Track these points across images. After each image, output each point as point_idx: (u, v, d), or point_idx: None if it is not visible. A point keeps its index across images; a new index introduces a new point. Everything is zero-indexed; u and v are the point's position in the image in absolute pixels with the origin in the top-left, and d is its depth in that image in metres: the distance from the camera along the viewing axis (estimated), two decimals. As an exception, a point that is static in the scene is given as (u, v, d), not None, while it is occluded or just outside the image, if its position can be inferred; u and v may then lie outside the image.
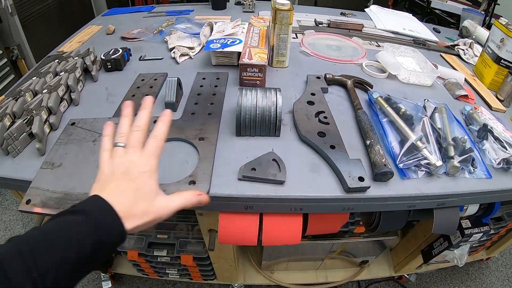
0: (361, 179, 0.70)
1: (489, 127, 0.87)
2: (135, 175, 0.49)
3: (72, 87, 0.93)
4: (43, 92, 0.88)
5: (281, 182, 0.71)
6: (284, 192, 0.69)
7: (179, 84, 0.90)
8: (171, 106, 0.88)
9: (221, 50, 1.00)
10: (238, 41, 1.03)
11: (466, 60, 1.29)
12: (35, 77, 0.95)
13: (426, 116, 0.87)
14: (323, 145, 0.77)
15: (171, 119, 0.57)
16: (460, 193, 0.75)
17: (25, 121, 0.79)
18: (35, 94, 0.90)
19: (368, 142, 0.79)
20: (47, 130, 0.83)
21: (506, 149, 0.82)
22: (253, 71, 0.93)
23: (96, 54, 1.11)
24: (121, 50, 1.09)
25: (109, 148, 0.53)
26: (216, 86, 0.96)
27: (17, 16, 1.92)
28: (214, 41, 1.05)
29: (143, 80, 1.01)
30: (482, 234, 1.14)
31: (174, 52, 1.12)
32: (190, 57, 1.13)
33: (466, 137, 0.84)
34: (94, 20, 1.49)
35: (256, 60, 0.92)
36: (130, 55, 1.14)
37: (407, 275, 1.44)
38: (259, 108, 0.77)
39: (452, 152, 0.79)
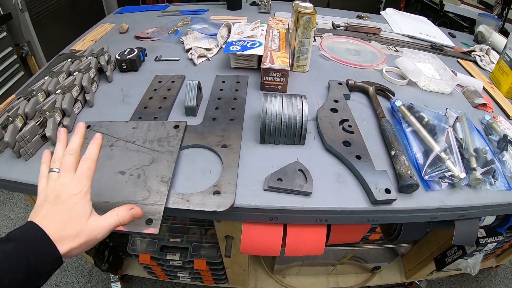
0: (387, 191, 0.67)
1: (509, 138, 0.84)
2: (65, 197, 0.49)
3: (86, 88, 0.89)
4: (57, 92, 0.85)
5: (308, 194, 0.67)
6: (311, 204, 0.66)
7: (199, 87, 0.86)
8: (191, 110, 0.84)
9: (241, 52, 0.97)
10: (258, 44, 1.00)
11: (483, 67, 1.25)
12: (47, 77, 0.92)
13: (450, 126, 0.84)
14: (349, 155, 0.74)
15: (101, 142, 0.58)
16: (482, 205, 0.73)
17: (38, 123, 0.76)
18: (47, 94, 0.86)
19: (393, 152, 0.76)
20: (61, 132, 0.79)
21: None
22: (276, 75, 0.90)
23: (110, 54, 1.07)
24: (136, 50, 1.05)
25: (46, 175, 0.53)
26: (236, 90, 0.93)
27: (27, 13, 1.87)
28: (234, 43, 1.01)
29: (160, 82, 0.98)
30: (496, 243, 1.12)
31: (191, 53, 1.08)
32: (208, 59, 1.10)
33: (487, 148, 0.82)
34: (107, 18, 1.45)
35: (278, 65, 0.89)
36: (146, 55, 1.10)
37: (418, 281, 1.42)
38: (284, 116, 0.74)
39: (474, 163, 0.76)
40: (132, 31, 1.29)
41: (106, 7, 2.64)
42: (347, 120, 0.83)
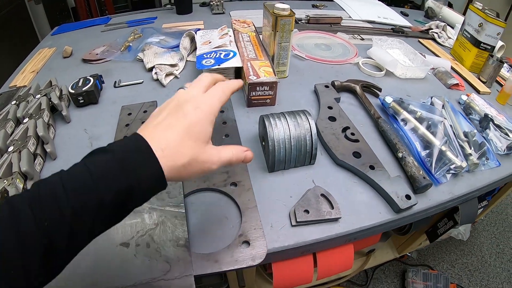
0: (408, 197, 0.64)
1: (490, 116, 0.86)
2: (189, 109, 0.40)
3: (44, 138, 0.73)
4: (9, 150, 0.68)
5: (337, 219, 0.61)
6: (343, 229, 0.61)
7: (182, 117, 0.74)
8: (181, 145, 0.72)
9: (217, 66, 0.85)
10: (232, 54, 0.89)
11: (442, 43, 1.27)
12: (-9, 128, 0.73)
13: (445, 118, 0.83)
14: (362, 167, 0.69)
15: (241, 86, 0.50)
16: (481, 187, 0.74)
17: None
18: (-2, 153, 0.69)
19: (400, 154, 0.72)
20: (26, 202, 0.63)
21: (508, 136, 0.83)
22: (263, 89, 0.81)
23: (61, 87, 0.89)
24: (92, 79, 0.89)
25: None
26: (222, 111, 0.82)
27: None
28: (205, 56, 0.89)
29: (129, 114, 0.83)
30: (482, 208, 1.17)
31: (156, 73, 0.94)
32: (176, 77, 0.96)
33: (475, 130, 0.83)
34: (44, 42, 1.22)
35: (265, 77, 0.80)
36: (103, 82, 0.94)
37: (409, 253, 1.46)
38: (293, 139, 0.66)
39: (468, 149, 0.77)
40: (78, 53, 1.10)
41: (37, 29, 2.27)
42: (348, 127, 0.77)
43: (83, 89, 0.86)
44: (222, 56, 0.88)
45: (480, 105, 0.93)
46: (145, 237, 0.56)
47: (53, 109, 0.84)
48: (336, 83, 0.90)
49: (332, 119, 0.79)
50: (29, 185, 0.64)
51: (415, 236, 1.24)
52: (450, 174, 0.73)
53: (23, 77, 1.00)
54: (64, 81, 0.91)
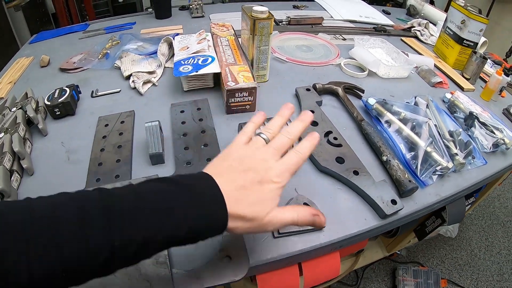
0: (393, 202, 0.62)
1: (474, 114, 0.85)
2: (265, 179, 0.42)
3: (20, 154, 0.69)
4: (-16, 167, 0.65)
5: (321, 229, 0.59)
6: (326, 238, 0.59)
7: (160, 128, 0.71)
8: (158, 158, 0.70)
9: (194, 73, 0.82)
10: (210, 59, 0.86)
11: (424, 41, 1.26)
12: (-34, 144, 0.70)
13: (430, 119, 0.82)
14: (346, 173, 0.67)
15: (317, 143, 0.48)
16: (469, 186, 0.73)
17: None
18: (-28, 170, 0.65)
19: (384, 158, 0.71)
20: (3, 221, 0.60)
21: (494, 133, 0.82)
22: (242, 95, 0.78)
23: (37, 99, 0.85)
24: (68, 90, 0.85)
25: (250, 135, 0.47)
26: (201, 119, 0.79)
27: None
28: (182, 62, 0.86)
29: (107, 125, 0.80)
30: (469, 205, 1.17)
31: (133, 81, 0.91)
32: (154, 84, 0.93)
33: (460, 129, 0.82)
34: (21, 51, 1.17)
35: (244, 83, 0.77)
36: (80, 92, 0.90)
37: (398, 251, 1.45)
38: (273, 147, 0.63)
39: (454, 148, 0.76)
40: (55, 62, 1.06)
41: (17, 37, 2.19)
42: (330, 132, 0.75)
43: (59, 100, 0.83)
44: (200, 62, 0.85)
45: (464, 102, 0.92)
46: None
47: (30, 122, 0.80)
48: (317, 85, 0.88)
49: (314, 123, 0.77)
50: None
51: (404, 235, 1.23)
52: (437, 176, 0.71)
53: (0, 88, 0.96)
54: (42, 92, 0.87)
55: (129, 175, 0.68)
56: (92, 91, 0.92)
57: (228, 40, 0.95)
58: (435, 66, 1.10)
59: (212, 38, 0.98)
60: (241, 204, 0.39)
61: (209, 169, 0.42)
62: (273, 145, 0.45)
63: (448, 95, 0.93)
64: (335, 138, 0.73)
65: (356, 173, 0.67)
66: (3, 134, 0.72)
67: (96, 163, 0.71)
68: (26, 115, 0.79)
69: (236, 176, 0.41)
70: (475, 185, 0.75)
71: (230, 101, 0.80)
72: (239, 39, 0.98)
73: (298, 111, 0.84)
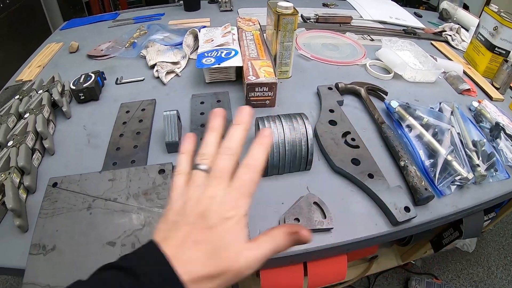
0: (407, 209, 0.59)
1: (501, 125, 0.80)
2: (215, 220, 0.33)
3: (43, 134, 0.72)
4: (9, 145, 0.67)
5: (329, 229, 0.58)
6: (334, 240, 0.57)
7: (178, 117, 0.72)
8: (174, 146, 0.70)
9: (216, 65, 0.82)
10: (233, 53, 0.86)
11: (455, 46, 1.21)
12: (-6, 122, 0.73)
13: (453, 126, 0.78)
14: (360, 175, 0.64)
15: (271, 142, 0.40)
16: (489, 200, 0.68)
17: None
18: (-2, 147, 0.68)
19: (402, 163, 0.68)
20: (23, 196, 0.62)
21: None
22: (262, 90, 0.77)
23: (63, 83, 0.88)
24: (93, 76, 0.87)
25: (186, 171, 0.38)
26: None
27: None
28: (206, 54, 0.86)
29: (128, 112, 0.82)
30: (489, 220, 1.11)
31: (157, 71, 0.92)
32: (177, 75, 0.94)
33: (484, 140, 0.77)
34: (52, 36, 1.21)
35: (264, 78, 0.76)
36: (105, 78, 0.92)
37: (413, 261, 1.40)
38: (288, 144, 0.62)
39: (476, 159, 0.72)
40: (84, 49, 1.09)
41: (50, 23, 2.27)
42: (349, 132, 0.73)
43: (84, 85, 0.85)
44: (223, 54, 0.85)
45: (492, 112, 0.87)
46: (131, 237, 0.54)
47: (55, 105, 0.83)
48: (340, 85, 0.86)
49: (333, 123, 0.75)
50: (25, 180, 0.63)
51: (420, 244, 1.19)
52: (455, 186, 0.67)
53: (29, 71, 0.99)
54: (69, 77, 0.90)
55: (145, 161, 0.69)
56: (117, 78, 0.94)
57: (253, 35, 0.95)
58: (464, 73, 1.05)
59: (238, 32, 0.97)
60: (199, 263, 0.32)
61: (157, 233, 0.34)
62: (215, 174, 0.36)
63: (475, 104, 0.88)
64: (353, 139, 0.71)
65: (371, 176, 0.64)
66: (28, 114, 0.75)
67: (114, 147, 0.72)
68: (52, 98, 0.81)
69: (183, 233, 0.33)
70: (495, 200, 0.70)
71: (250, 95, 0.79)
72: (264, 34, 0.97)
73: (318, 109, 0.82)
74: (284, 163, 0.64)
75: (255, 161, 0.37)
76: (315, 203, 0.60)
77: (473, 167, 0.70)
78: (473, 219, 0.80)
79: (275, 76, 0.77)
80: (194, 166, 0.37)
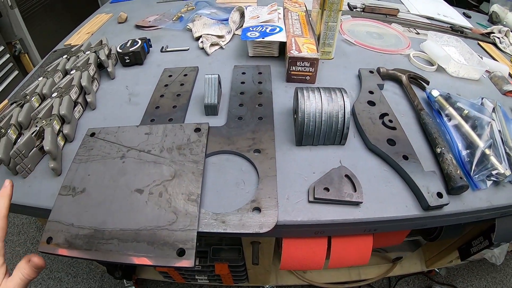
0: (439, 195, 0.56)
1: None
2: None
3: (86, 88, 0.74)
4: (53, 96, 0.70)
5: (357, 203, 0.55)
6: (362, 215, 0.55)
7: (219, 82, 0.71)
8: (213, 109, 0.70)
9: (261, 39, 0.81)
10: (278, 29, 0.85)
11: (503, 49, 1.13)
12: (41, 77, 0.76)
13: (494, 120, 0.73)
14: (395, 156, 0.61)
15: (11, 192, 0.47)
16: None
17: (34, 133, 0.61)
18: (43, 98, 0.71)
19: (438, 150, 0.64)
20: (61, 143, 0.65)
21: None
22: (304, 65, 0.76)
23: (110, 47, 0.90)
24: (140, 41, 0.89)
25: None
26: (260, 82, 0.78)
27: (17, 9, 1.66)
28: (251, 29, 0.86)
29: (170, 76, 0.83)
30: (524, 231, 1.03)
31: (202, 42, 0.93)
32: (221, 47, 0.94)
33: None
34: (102, 8, 1.26)
35: (306, 53, 0.75)
36: (150, 46, 0.94)
37: (437, 269, 1.33)
38: (325, 114, 0.60)
39: None
40: (132, 20, 1.11)
41: None
42: (386, 114, 0.70)
43: (130, 49, 0.87)
44: (268, 30, 0.84)
45: (536, 116, 0.81)
46: (159, 186, 0.54)
47: (101, 66, 0.85)
48: (381, 69, 0.82)
49: (372, 103, 0.72)
50: (65, 128, 0.66)
51: (447, 251, 1.13)
52: (491, 181, 0.63)
53: (78, 37, 1.03)
54: (116, 43, 0.92)
55: (183, 120, 0.70)
56: (162, 47, 0.95)
57: (298, 15, 0.93)
58: (510, 75, 0.98)
59: (283, 12, 0.96)
60: None
61: None
62: None
63: (519, 104, 0.83)
64: (390, 121, 0.68)
65: (405, 157, 0.61)
66: (74, 71, 0.77)
67: (154, 106, 0.73)
68: (98, 59, 0.84)
69: None
70: None
71: (291, 69, 0.77)
72: (309, 17, 0.95)
73: (358, 90, 0.79)
74: (319, 133, 0.62)
75: None
76: (346, 175, 0.58)
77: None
78: (507, 221, 0.74)
79: (318, 52, 0.75)
80: None
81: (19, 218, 1.58)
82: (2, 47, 1.61)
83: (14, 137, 0.61)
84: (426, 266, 1.23)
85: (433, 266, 1.23)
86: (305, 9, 0.98)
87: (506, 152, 0.67)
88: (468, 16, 1.35)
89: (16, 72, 1.70)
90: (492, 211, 0.61)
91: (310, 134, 0.62)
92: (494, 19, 1.32)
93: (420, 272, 1.37)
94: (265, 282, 1.13)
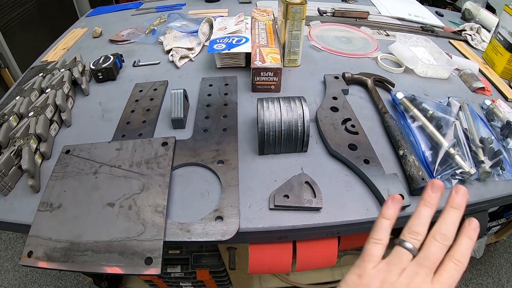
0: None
1: None
2: None
3: (61, 107, 0.78)
4: (29, 115, 0.74)
5: (317, 209, 0.59)
6: (322, 220, 0.58)
7: (185, 96, 0.75)
8: (179, 122, 0.74)
9: (227, 51, 0.86)
10: (244, 40, 0.89)
11: (474, 46, 1.18)
12: (18, 96, 0.80)
13: (457, 119, 0.77)
14: (356, 160, 0.65)
15: (478, 231, 0.37)
16: (492, 199, 0.66)
17: (13, 153, 0.65)
18: (20, 117, 0.75)
19: (401, 152, 0.68)
20: (39, 161, 0.69)
21: None
22: (268, 75, 0.80)
23: (84, 63, 0.94)
24: (112, 57, 0.93)
25: (385, 242, 0.36)
26: (226, 94, 0.82)
27: (-5, 25, 1.69)
28: (218, 40, 0.90)
29: (141, 91, 0.86)
30: (499, 226, 1.08)
31: (172, 55, 0.97)
32: (191, 60, 0.98)
33: (492, 137, 0.74)
34: (78, 22, 1.30)
35: (270, 63, 0.79)
36: (123, 61, 0.98)
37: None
38: (284, 123, 0.64)
39: (482, 155, 0.70)
40: (107, 34, 1.15)
41: (79, 10, 2.40)
42: (349, 119, 0.74)
43: (103, 66, 0.90)
44: (234, 41, 0.88)
45: (505, 112, 0.84)
46: (129, 200, 0.58)
47: (75, 83, 0.89)
48: (346, 74, 0.87)
49: (335, 109, 0.76)
50: (42, 146, 0.69)
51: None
52: (457, 181, 0.66)
53: (54, 53, 1.06)
54: (91, 59, 0.95)
55: (152, 135, 0.74)
56: (134, 61, 0.99)
57: (265, 25, 0.97)
58: (481, 72, 1.02)
59: (251, 21, 1.00)
60: None
61: None
62: (425, 263, 0.33)
63: (488, 102, 0.86)
64: (353, 126, 0.72)
65: (366, 162, 0.65)
66: (49, 89, 0.81)
67: (125, 121, 0.77)
68: (72, 76, 0.87)
69: None
70: (500, 200, 0.68)
71: (255, 80, 0.81)
72: (276, 25, 0.99)
73: (322, 97, 0.83)
74: (280, 142, 0.65)
75: (463, 257, 0.34)
76: (306, 182, 0.62)
77: (478, 163, 0.68)
78: (476, 218, 0.78)
79: (281, 62, 0.79)
80: (400, 242, 0.35)
81: (5, 234, 1.60)
82: (-18, 63, 1.64)
83: (-6, 156, 0.65)
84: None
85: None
86: (273, 18, 1.02)
87: (472, 150, 0.71)
88: (440, 15, 1.39)
89: (-2, 87, 1.73)
90: (459, 208, 0.65)
91: (271, 143, 0.65)
92: (467, 16, 1.37)
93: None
94: (249, 286, 1.17)
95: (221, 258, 0.94)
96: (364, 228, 0.62)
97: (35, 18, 2.06)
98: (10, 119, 0.72)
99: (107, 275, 1.11)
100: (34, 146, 0.68)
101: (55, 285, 1.39)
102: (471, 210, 0.68)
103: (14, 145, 0.66)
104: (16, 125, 0.72)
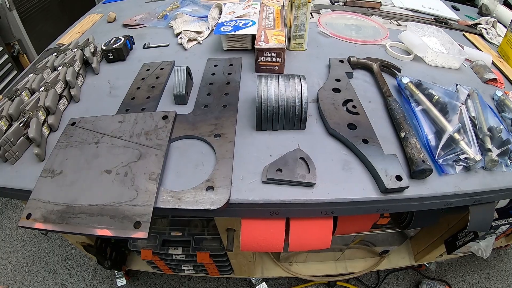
0: (398, 178, 0.58)
1: None
2: None
3: (71, 83, 0.80)
4: (40, 90, 0.76)
5: (311, 185, 0.58)
6: (315, 196, 0.58)
7: (188, 73, 0.76)
8: (181, 98, 0.75)
9: (233, 33, 0.86)
10: (251, 23, 0.89)
11: (490, 40, 1.14)
12: (32, 74, 0.83)
13: (463, 104, 0.74)
14: (355, 139, 0.64)
15: None
16: (498, 189, 0.63)
17: (22, 123, 0.67)
18: (32, 92, 0.78)
19: (402, 134, 0.66)
20: (46, 132, 0.71)
21: None
22: (271, 55, 0.80)
23: (96, 44, 0.97)
24: (123, 39, 0.95)
25: None
26: (229, 73, 0.83)
27: (16, 11, 1.75)
28: (225, 23, 0.90)
29: (148, 70, 0.88)
30: (509, 225, 1.03)
31: (181, 38, 0.98)
32: (199, 42, 0.99)
33: (501, 126, 0.71)
34: (94, 9, 1.33)
35: (273, 44, 0.79)
36: (133, 43, 1.00)
37: (427, 263, 1.33)
38: (282, 99, 0.64)
39: (489, 144, 0.67)
40: (120, 19, 1.18)
41: None
42: (351, 100, 0.73)
43: (113, 46, 0.92)
44: (240, 24, 0.89)
45: (517, 104, 0.81)
46: (125, 167, 0.59)
47: (86, 63, 0.91)
48: (352, 58, 0.85)
49: (337, 90, 0.75)
50: (50, 119, 0.72)
51: (434, 244, 1.13)
52: (461, 167, 0.64)
53: (69, 37, 1.09)
54: (103, 41, 0.97)
55: (155, 109, 0.75)
56: (145, 44, 1.00)
57: (274, 10, 0.97)
58: (494, 64, 0.99)
59: (260, 7, 1.00)
60: None
61: None
62: None
63: (499, 93, 0.83)
64: (354, 107, 0.71)
65: (365, 141, 0.64)
66: (61, 67, 0.84)
67: (130, 97, 0.79)
68: (84, 56, 0.90)
69: None
70: (509, 192, 0.65)
71: (259, 60, 0.81)
72: (284, 10, 0.99)
73: (325, 79, 0.82)
74: (277, 118, 0.65)
75: None
76: (301, 158, 0.61)
77: (485, 151, 0.66)
78: (482, 209, 0.74)
79: (285, 43, 0.79)
80: None
81: (17, 213, 1.67)
82: (1, 48, 1.70)
83: (4, 127, 0.67)
84: (415, 261, 1.24)
85: (422, 261, 1.23)
86: (282, 4, 1.02)
87: (479, 138, 0.68)
88: (456, 9, 1.36)
89: (14, 72, 1.79)
90: (463, 197, 0.62)
91: (268, 118, 0.65)
92: (483, 12, 1.32)
93: (410, 267, 1.37)
94: (251, 274, 1.16)
95: (222, 242, 0.95)
96: (359, 209, 0.61)
97: (54, 7, 2.13)
98: (23, 94, 0.75)
99: (110, 254, 1.13)
100: (43, 118, 0.70)
101: (61, 264, 1.42)
102: (476, 200, 0.65)
103: (24, 117, 0.68)
104: (27, 100, 0.75)
